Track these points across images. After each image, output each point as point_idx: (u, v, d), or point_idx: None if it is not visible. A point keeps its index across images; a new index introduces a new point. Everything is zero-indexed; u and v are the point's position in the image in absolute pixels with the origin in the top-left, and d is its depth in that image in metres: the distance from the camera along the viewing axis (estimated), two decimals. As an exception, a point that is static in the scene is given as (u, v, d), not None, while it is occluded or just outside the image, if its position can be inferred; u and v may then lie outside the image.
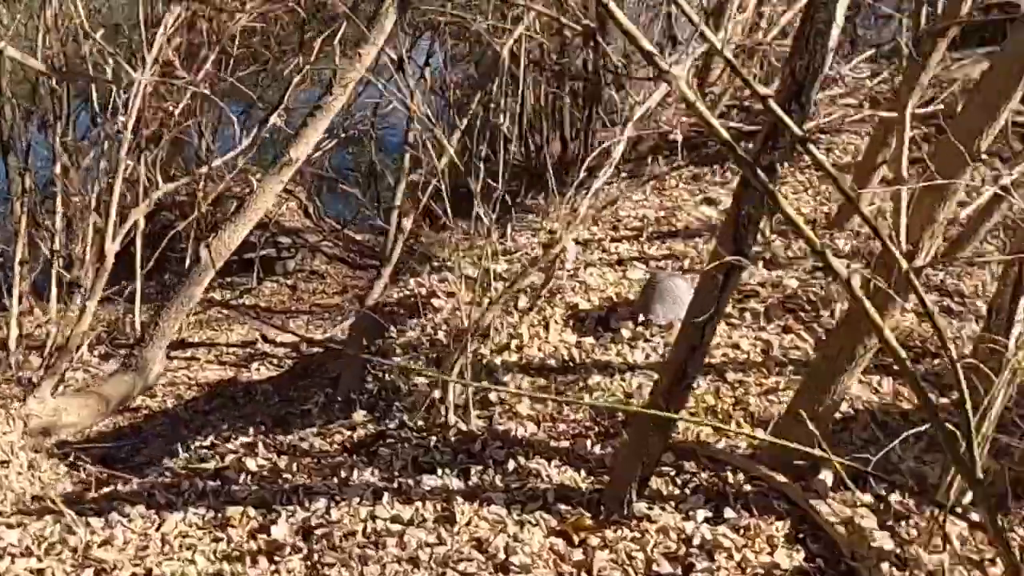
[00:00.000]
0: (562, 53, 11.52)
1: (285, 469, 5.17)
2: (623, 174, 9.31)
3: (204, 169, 8.67)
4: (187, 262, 11.54)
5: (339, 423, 5.72)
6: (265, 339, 10.76)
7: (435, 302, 6.87)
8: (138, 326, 9.62)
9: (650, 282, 6.42)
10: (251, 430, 6.05)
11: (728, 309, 6.53)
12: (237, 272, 12.17)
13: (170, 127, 8.94)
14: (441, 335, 6.37)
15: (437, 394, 5.68)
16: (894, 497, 4.67)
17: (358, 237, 13.90)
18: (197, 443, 6.10)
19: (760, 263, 7.06)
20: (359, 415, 5.73)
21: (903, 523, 4.53)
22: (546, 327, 6.26)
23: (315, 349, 10.24)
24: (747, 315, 6.38)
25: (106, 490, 5.32)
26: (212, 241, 7.18)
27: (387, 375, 6.07)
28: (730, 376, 5.67)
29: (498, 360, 5.92)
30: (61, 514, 4.74)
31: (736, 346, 6.03)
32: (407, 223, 11.19)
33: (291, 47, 11.06)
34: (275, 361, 10.20)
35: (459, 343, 5.51)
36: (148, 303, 10.15)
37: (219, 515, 4.77)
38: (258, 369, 9.96)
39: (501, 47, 9.77)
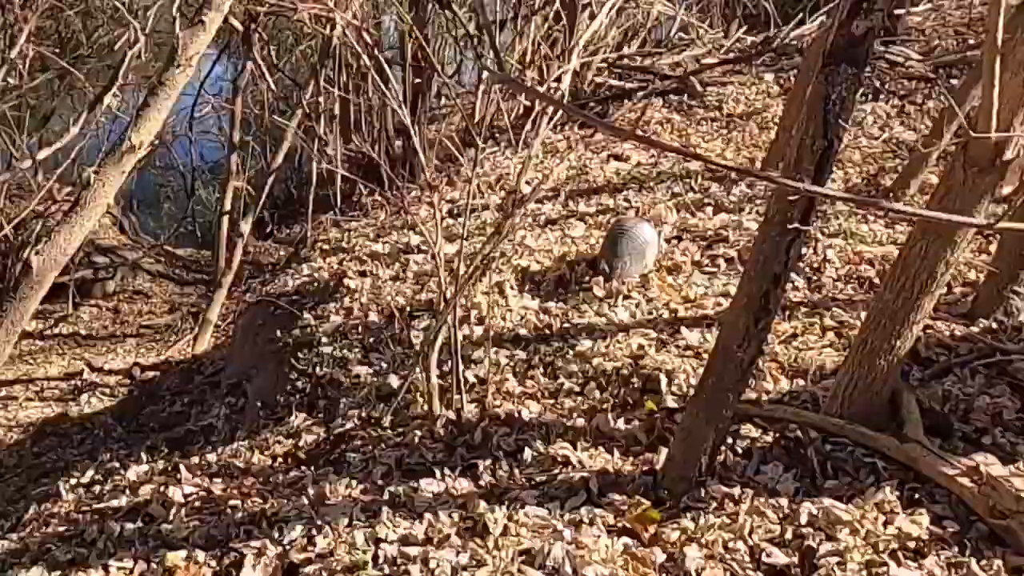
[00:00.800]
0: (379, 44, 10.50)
1: (226, 495, 3.87)
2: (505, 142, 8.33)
3: (27, 163, 7.06)
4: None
5: (272, 431, 4.44)
6: (92, 368, 9.42)
7: (349, 283, 5.67)
8: (-63, 363, 8.08)
9: (613, 231, 5.44)
10: (144, 456, 4.68)
11: (697, 256, 5.68)
12: (49, 298, 10.58)
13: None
14: (373, 316, 5.18)
15: (395, 382, 4.52)
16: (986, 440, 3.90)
17: (179, 252, 12.58)
18: (74, 480, 4.68)
19: (709, 208, 6.25)
20: (298, 419, 4.48)
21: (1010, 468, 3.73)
22: (502, 294, 5.19)
23: (152, 374, 9.07)
24: (720, 262, 5.54)
25: (-27, 553, 3.87)
26: (44, 247, 5.78)
27: (319, 368, 4.84)
28: (740, 326, 4.74)
29: (460, 335, 4.79)
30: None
31: (725, 294, 5.14)
32: (245, 227, 10.01)
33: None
34: (107, 391, 8.86)
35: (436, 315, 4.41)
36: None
37: (153, 564, 3.45)
38: (88, 401, 8.60)
39: (329, 36, 8.71)
